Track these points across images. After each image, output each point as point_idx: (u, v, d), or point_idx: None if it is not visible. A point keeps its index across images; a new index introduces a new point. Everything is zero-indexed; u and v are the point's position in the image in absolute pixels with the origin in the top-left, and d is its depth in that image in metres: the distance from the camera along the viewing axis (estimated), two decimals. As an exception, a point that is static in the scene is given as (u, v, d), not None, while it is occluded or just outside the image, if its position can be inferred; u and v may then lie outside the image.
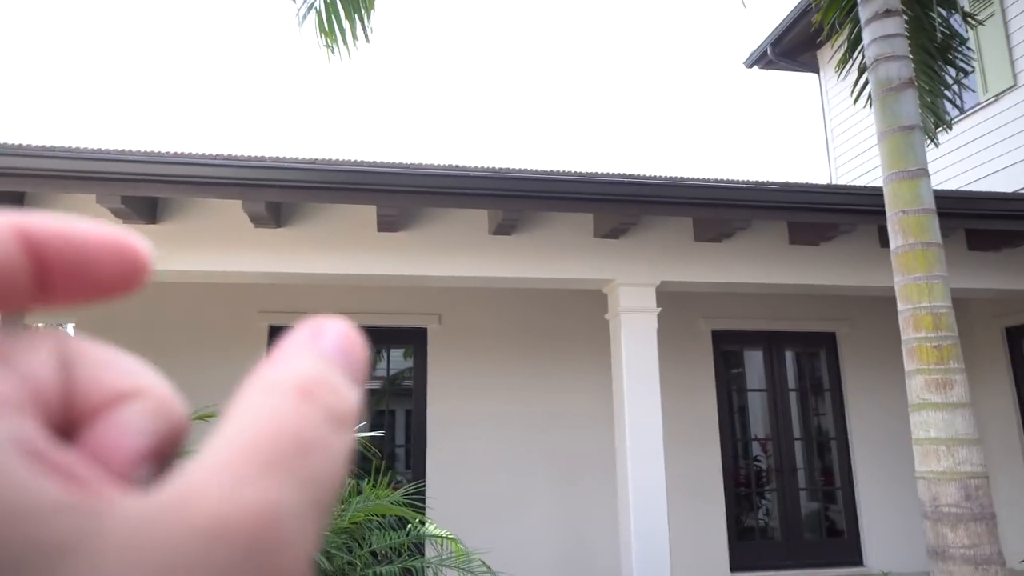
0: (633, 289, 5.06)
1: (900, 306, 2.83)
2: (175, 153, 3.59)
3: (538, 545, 6.12)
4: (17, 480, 0.14)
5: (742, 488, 6.77)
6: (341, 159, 3.89)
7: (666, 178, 4.75)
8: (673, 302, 6.44)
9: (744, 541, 6.58)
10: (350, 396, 0.18)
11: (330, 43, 3.64)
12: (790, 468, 6.79)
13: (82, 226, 0.18)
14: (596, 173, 4.68)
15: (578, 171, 4.64)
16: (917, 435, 2.80)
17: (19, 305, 0.17)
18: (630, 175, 4.74)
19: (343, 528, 3.30)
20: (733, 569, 6.34)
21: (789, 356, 7.14)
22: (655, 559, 4.57)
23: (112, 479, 0.16)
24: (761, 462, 6.94)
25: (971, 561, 2.54)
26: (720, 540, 6.43)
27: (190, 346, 6.03)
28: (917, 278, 2.73)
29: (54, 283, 0.18)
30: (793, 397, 7.03)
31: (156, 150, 3.59)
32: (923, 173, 2.80)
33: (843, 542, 6.69)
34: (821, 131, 9.11)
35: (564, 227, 5.03)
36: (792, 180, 5.02)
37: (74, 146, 3.50)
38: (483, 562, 3.64)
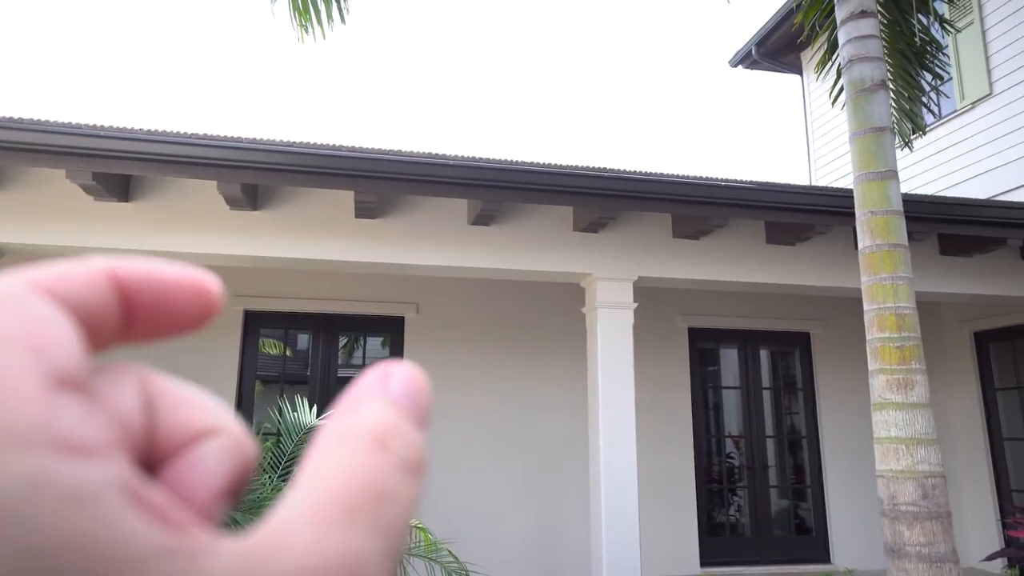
0: (610, 284, 5.08)
1: (866, 306, 2.87)
2: (149, 130, 3.54)
3: (511, 536, 6.15)
4: (121, 524, 0.14)
5: (714, 484, 6.84)
6: (319, 143, 3.86)
7: (646, 173, 4.77)
8: (651, 298, 6.48)
9: (714, 536, 6.66)
10: (419, 442, 0.19)
11: (304, 23, 3.60)
12: (761, 465, 6.87)
13: (163, 268, 0.19)
14: (576, 166, 4.69)
15: (558, 164, 4.64)
16: (878, 434, 2.84)
17: (108, 343, 0.18)
18: (610, 169, 4.75)
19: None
20: (703, 564, 6.42)
21: (764, 355, 7.22)
22: (625, 551, 4.62)
23: (197, 519, 0.16)
24: (734, 459, 7.01)
25: (926, 559, 2.59)
26: (691, 535, 6.50)
27: (163, 329, 5.95)
28: (883, 278, 2.77)
29: (138, 322, 0.19)
30: (767, 395, 7.11)
31: (129, 126, 3.54)
32: (892, 175, 2.84)
33: (811, 539, 6.79)
34: (802, 132, 9.20)
35: (543, 220, 5.04)
36: (771, 180, 5.06)
37: (44, 119, 3.44)
38: (450, 552, 3.65)
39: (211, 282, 0.20)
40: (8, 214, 4.21)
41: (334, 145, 3.87)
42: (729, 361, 7.23)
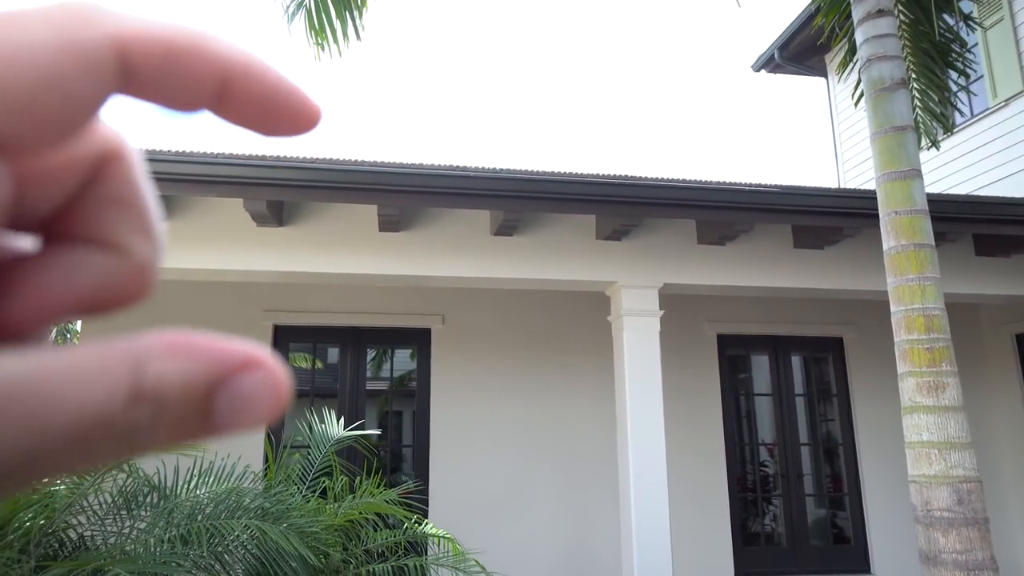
0: (635, 291, 5.06)
1: (892, 308, 2.81)
2: (176, 152, 3.66)
3: (539, 546, 6.11)
4: None
5: (748, 493, 6.72)
6: (341, 159, 3.93)
7: (668, 180, 4.76)
8: (677, 305, 6.42)
9: (749, 547, 6.53)
10: (174, 385, 0.18)
11: (320, 42, 3.68)
12: (796, 474, 6.73)
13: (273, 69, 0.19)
14: (597, 174, 4.70)
15: (580, 172, 4.65)
16: (909, 438, 2.78)
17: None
18: (632, 176, 4.75)
19: (338, 525, 3.32)
20: (738, 574, 6.30)
21: (796, 361, 7.09)
22: (657, 561, 4.56)
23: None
24: (768, 467, 6.89)
25: (963, 567, 2.52)
26: (725, 545, 6.38)
27: (197, 344, 6.08)
28: (909, 279, 2.71)
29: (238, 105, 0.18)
30: (800, 402, 6.98)
31: (156, 148, 3.66)
32: (916, 174, 2.79)
33: (850, 549, 6.62)
34: (829, 135, 9.06)
35: (566, 229, 5.04)
36: (797, 184, 5.00)
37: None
38: (477, 562, 3.65)
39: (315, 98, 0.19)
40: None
41: (356, 160, 3.95)
42: (760, 368, 7.11)
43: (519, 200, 4.38)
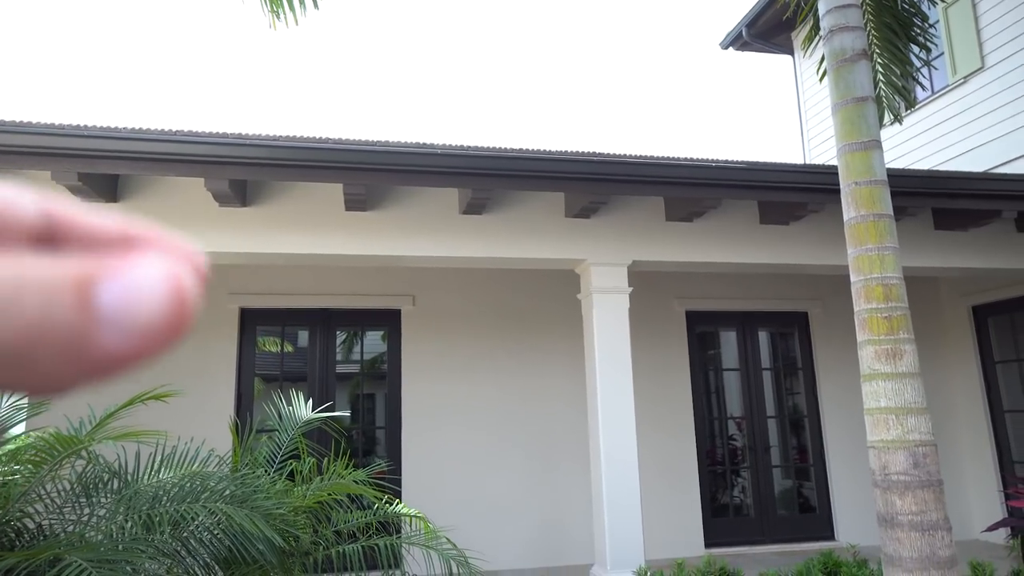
0: (605, 269, 5.07)
1: (852, 277, 2.86)
2: (134, 129, 3.54)
3: (511, 523, 6.16)
4: None
5: (717, 466, 6.85)
6: (305, 136, 3.85)
7: (636, 156, 4.75)
8: (647, 282, 6.47)
9: (719, 518, 6.67)
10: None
11: (275, 9, 3.57)
12: (764, 446, 6.88)
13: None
14: (565, 151, 4.67)
15: (547, 149, 4.63)
16: (868, 405, 2.84)
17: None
18: (600, 153, 4.73)
19: (306, 507, 3.30)
20: (708, 545, 6.43)
21: (763, 336, 7.21)
22: (628, 535, 4.63)
23: None
24: (736, 441, 7.02)
25: (919, 527, 2.59)
26: (695, 517, 6.51)
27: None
28: (868, 249, 2.75)
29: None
30: (768, 376, 7.10)
31: (114, 125, 3.53)
32: (875, 145, 2.82)
33: (815, 517, 6.80)
34: (796, 113, 9.15)
35: (535, 207, 5.03)
36: (761, 160, 5.04)
37: (26, 120, 3.43)
38: (448, 539, 3.66)
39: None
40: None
41: (320, 138, 3.86)
42: (728, 343, 7.22)
43: (487, 178, 4.34)
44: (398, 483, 5.94)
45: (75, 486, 2.52)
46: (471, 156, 4.28)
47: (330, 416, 3.94)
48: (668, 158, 4.80)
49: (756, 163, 4.84)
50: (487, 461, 6.27)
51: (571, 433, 6.36)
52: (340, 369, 6.38)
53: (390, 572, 3.19)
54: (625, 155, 4.75)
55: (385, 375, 6.40)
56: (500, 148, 4.53)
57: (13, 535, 2.36)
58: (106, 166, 3.64)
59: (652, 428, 6.36)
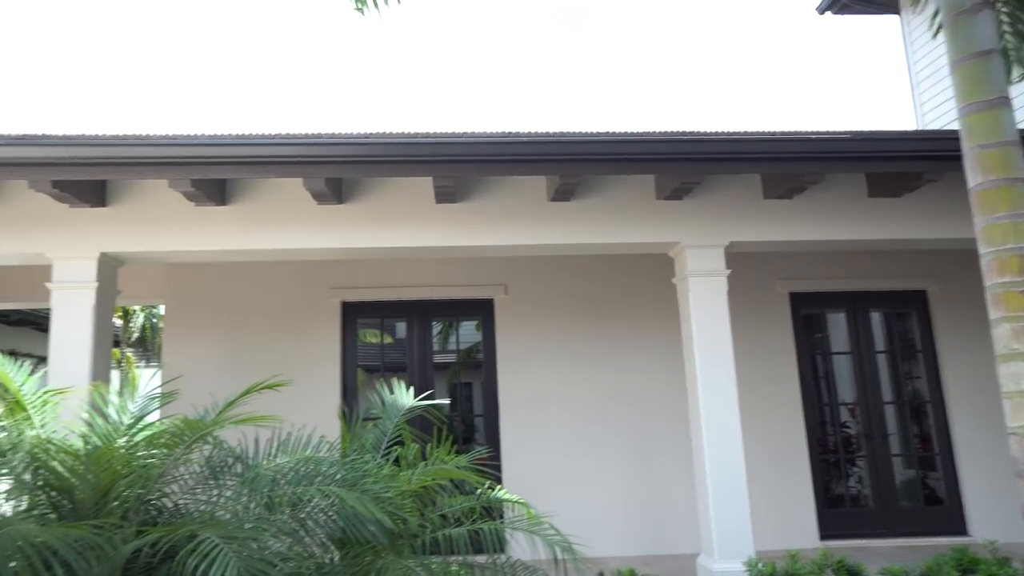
0: (700, 251, 4.92)
1: (981, 250, 2.61)
2: (237, 134, 3.76)
3: (611, 510, 6.11)
4: None
5: (830, 455, 6.51)
6: (394, 132, 3.95)
7: (730, 133, 4.56)
8: (746, 264, 6.21)
9: (834, 509, 6.34)
10: None
11: (359, 6, 3.67)
12: (881, 433, 6.47)
13: None
14: (655, 132, 4.55)
15: (636, 131, 4.52)
16: (1007, 388, 2.60)
17: None
18: (691, 132, 4.58)
19: (412, 492, 3.39)
20: (823, 537, 6.13)
21: (876, 317, 6.77)
22: (736, 525, 4.47)
23: None
24: (850, 428, 6.64)
25: (1068, 519, 2.35)
26: (807, 507, 6.22)
27: (268, 323, 6.34)
28: (999, 218, 2.51)
29: None
30: (882, 360, 6.67)
31: (220, 132, 3.77)
32: (1003, 102, 2.56)
33: (943, 510, 6.33)
34: (905, 76, 8.48)
35: (625, 190, 4.94)
36: (870, 129, 4.70)
37: (145, 133, 3.72)
38: (551, 525, 3.66)
39: None
40: (122, 226, 4.60)
41: (409, 133, 3.96)
42: (837, 326, 6.82)
43: (574, 163, 4.30)
44: (498, 469, 6.02)
45: (204, 469, 2.71)
46: (558, 142, 4.25)
47: (431, 404, 4.04)
48: (765, 133, 4.57)
49: (863, 133, 4.53)
50: (584, 448, 6.24)
51: (670, 419, 6.23)
52: (437, 359, 6.54)
53: (495, 556, 3.24)
54: (719, 132, 4.57)
55: (481, 364, 6.50)
56: (588, 133, 4.47)
57: (155, 512, 2.57)
58: (215, 171, 3.89)
59: (757, 415, 6.12)
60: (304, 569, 2.33)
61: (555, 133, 4.26)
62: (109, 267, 4.71)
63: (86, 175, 3.88)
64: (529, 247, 4.92)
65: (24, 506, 2.47)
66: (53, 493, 2.38)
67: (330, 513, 2.71)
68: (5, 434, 2.53)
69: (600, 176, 4.77)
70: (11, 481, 2.43)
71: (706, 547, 4.60)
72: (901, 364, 6.71)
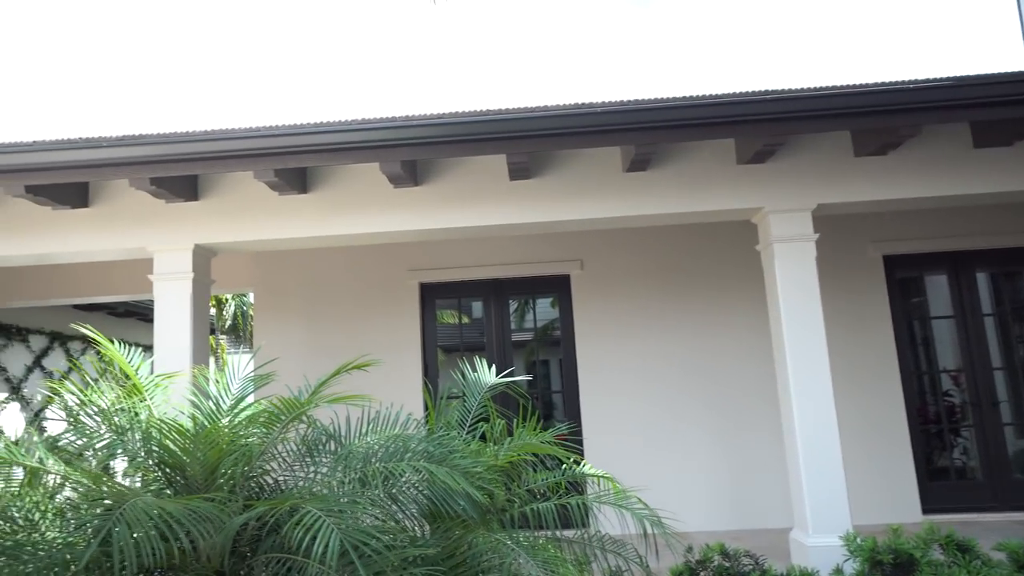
0: (785, 216, 4.70)
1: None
2: (315, 123, 3.85)
3: (696, 484, 6.02)
4: None
5: (931, 425, 6.16)
6: (466, 111, 3.94)
7: (815, 89, 4.29)
8: (835, 227, 5.91)
9: (937, 481, 6.02)
10: None
11: None
12: (990, 402, 6.06)
13: None
14: (733, 94, 4.35)
15: (712, 93, 4.33)
16: None
17: None
18: (773, 91, 4.34)
19: (499, 467, 3.43)
20: (926, 511, 5.83)
21: (982, 278, 6.31)
22: (831, 499, 4.29)
23: None
24: (954, 396, 6.25)
25: None
26: (908, 480, 5.93)
27: (351, 306, 6.54)
28: None
29: None
30: (989, 323, 6.22)
31: (299, 122, 3.87)
32: None
33: (1063, 483, 5.90)
34: (1014, 13, 7.74)
35: (703, 156, 4.76)
36: (973, 73, 4.33)
37: (229, 127, 3.87)
38: (640, 499, 3.63)
39: None
40: (213, 218, 4.83)
41: (480, 111, 3.94)
42: (937, 289, 6.41)
43: (650, 131, 4.17)
44: (579, 444, 6.02)
45: (300, 447, 2.82)
46: (632, 111, 4.12)
47: (512, 381, 4.06)
48: (854, 86, 4.29)
49: (965, 78, 4.17)
50: (667, 422, 6.15)
51: (757, 391, 6.05)
52: (515, 337, 6.57)
53: (583, 530, 3.24)
54: (803, 89, 4.31)
55: (559, 340, 6.49)
56: (663, 99, 4.31)
57: (258, 488, 2.70)
58: (295, 160, 4.01)
59: (851, 385, 5.85)
60: (398, 542, 2.40)
61: (629, 101, 4.14)
62: (203, 258, 4.97)
63: (179, 171, 4.08)
64: (605, 220, 4.84)
65: (140, 483, 2.65)
66: (168, 469, 2.54)
67: (420, 488, 2.78)
68: (126, 416, 2.71)
69: (677, 143, 4.62)
70: (130, 458, 2.61)
71: (799, 521, 4.46)
72: (1012, 327, 6.24)
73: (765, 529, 5.77)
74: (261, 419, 2.63)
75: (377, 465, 2.72)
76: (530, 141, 4.04)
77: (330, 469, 2.76)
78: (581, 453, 5.91)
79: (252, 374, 3.04)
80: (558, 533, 3.30)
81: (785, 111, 4.13)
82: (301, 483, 2.76)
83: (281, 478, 2.85)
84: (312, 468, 2.83)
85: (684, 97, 4.29)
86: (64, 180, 4.18)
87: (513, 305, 6.69)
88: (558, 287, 6.49)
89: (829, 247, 5.67)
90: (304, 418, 2.81)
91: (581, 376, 6.29)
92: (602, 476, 3.79)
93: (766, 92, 4.30)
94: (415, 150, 4.00)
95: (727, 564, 3.76)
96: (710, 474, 6.05)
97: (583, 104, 4.09)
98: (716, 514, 5.94)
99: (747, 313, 6.15)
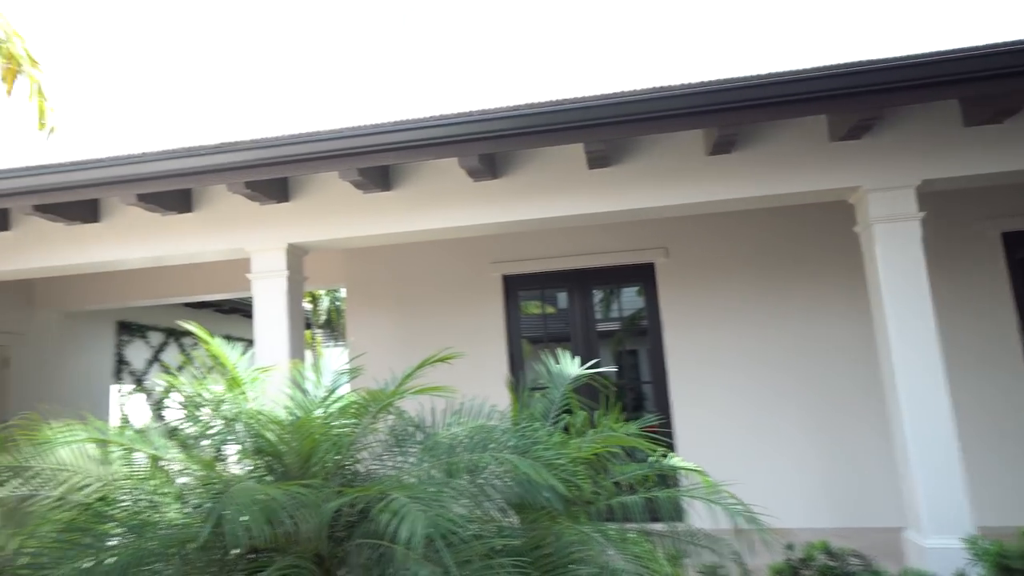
0: (886, 194, 4.40)
1: None
2: (394, 121, 3.94)
3: (793, 479, 5.76)
4: None
5: (1064, 416, 5.62)
6: (541, 101, 3.92)
7: (917, 56, 3.98)
8: (942, 203, 5.50)
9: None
10: None
11: None
12: None
13: None
14: (823, 67, 4.10)
15: (800, 68, 4.10)
16: None
17: None
18: (869, 61, 4.07)
19: (583, 458, 3.40)
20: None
21: (1120, 254, 5.69)
22: (948, 497, 3.98)
23: None
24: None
25: None
26: (1036, 478, 5.44)
27: (436, 299, 6.67)
28: None
29: None
30: None
31: (375, 122, 3.97)
32: None
33: None
34: None
35: (793, 135, 4.53)
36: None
37: (314, 129, 4.02)
38: (732, 494, 3.52)
39: None
40: (303, 218, 5.05)
41: (554, 100, 3.90)
42: (1066, 267, 5.82)
43: (734, 112, 3.99)
44: (670, 436, 5.90)
45: (388, 437, 2.90)
46: (714, 91, 3.96)
47: (597, 372, 4.02)
48: (963, 49, 3.94)
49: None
50: (761, 414, 5.92)
51: (860, 382, 5.71)
52: (600, 327, 6.51)
53: (673, 524, 3.17)
54: (903, 57, 4.01)
55: (645, 330, 6.37)
56: (745, 77, 4.12)
57: (350, 476, 2.81)
58: (377, 159, 4.11)
59: (967, 373, 5.42)
60: (485, 531, 2.43)
61: (710, 82, 3.98)
62: (296, 256, 5.20)
63: (271, 174, 4.29)
64: (689, 206, 4.70)
65: (250, 469, 2.81)
66: (267, 457, 2.68)
67: (505, 479, 2.80)
68: (228, 407, 2.89)
69: (764, 123, 4.41)
70: (237, 446, 2.78)
71: (913, 521, 4.18)
72: None
73: (873, 528, 5.45)
74: (351, 410, 2.73)
75: (463, 456, 2.76)
76: (608, 128, 3.97)
77: (417, 459, 2.83)
78: (671, 445, 5.79)
79: (342, 367, 3.16)
80: (647, 527, 3.25)
81: (883, 82, 3.86)
82: (390, 472, 2.84)
83: (372, 467, 2.94)
84: (400, 458, 2.91)
85: (770, 74, 4.08)
86: (170, 188, 4.49)
87: (598, 295, 6.63)
88: (643, 276, 6.37)
89: (936, 226, 5.27)
90: (392, 409, 2.89)
91: (669, 367, 6.15)
92: (692, 469, 3.69)
93: (863, 63, 4.02)
94: (492, 143, 4.01)
95: (833, 564, 3.58)
96: (809, 468, 5.77)
97: (662, 87, 3.97)
98: (815, 511, 5.67)
99: (846, 299, 5.81)
